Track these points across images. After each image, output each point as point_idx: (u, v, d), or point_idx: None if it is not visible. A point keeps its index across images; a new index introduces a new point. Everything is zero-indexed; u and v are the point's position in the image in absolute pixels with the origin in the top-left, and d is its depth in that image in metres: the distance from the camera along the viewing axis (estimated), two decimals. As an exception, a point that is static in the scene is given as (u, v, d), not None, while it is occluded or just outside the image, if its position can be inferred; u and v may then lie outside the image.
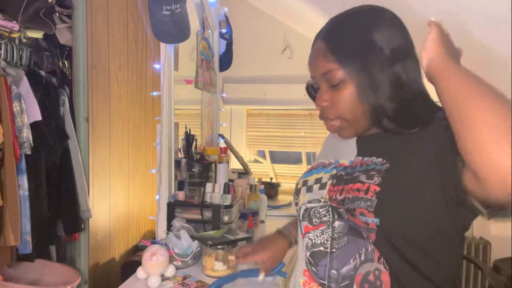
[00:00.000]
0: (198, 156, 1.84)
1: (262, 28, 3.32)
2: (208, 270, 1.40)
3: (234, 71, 2.59)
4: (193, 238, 1.50)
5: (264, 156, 3.69)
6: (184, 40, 1.62)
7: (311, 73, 0.84)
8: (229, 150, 2.28)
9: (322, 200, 0.83)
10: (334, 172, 0.85)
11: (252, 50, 3.30)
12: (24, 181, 1.59)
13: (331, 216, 0.81)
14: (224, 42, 2.41)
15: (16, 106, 1.55)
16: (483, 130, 0.57)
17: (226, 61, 2.47)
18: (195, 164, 1.78)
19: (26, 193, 1.59)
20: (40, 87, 1.76)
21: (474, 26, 1.49)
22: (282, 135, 3.54)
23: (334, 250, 0.79)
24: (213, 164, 1.83)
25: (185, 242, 1.49)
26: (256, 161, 3.71)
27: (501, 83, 0.74)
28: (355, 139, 0.87)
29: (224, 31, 2.39)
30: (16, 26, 1.65)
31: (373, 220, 0.74)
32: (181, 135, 1.91)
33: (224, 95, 3.09)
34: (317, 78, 0.82)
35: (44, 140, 1.69)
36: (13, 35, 1.66)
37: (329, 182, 0.83)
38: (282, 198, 2.79)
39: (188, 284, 1.32)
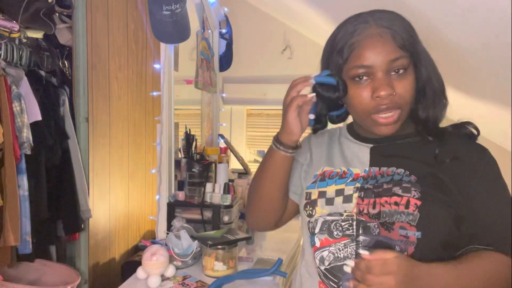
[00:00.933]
0: (198, 156, 1.84)
1: (262, 28, 3.32)
2: (208, 270, 1.40)
3: (234, 71, 2.59)
4: (193, 238, 1.50)
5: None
6: (184, 40, 1.62)
7: (369, 61, 0.75)
8: (229, 150, 2.28)
9: (345, 214, 0.81)
10: (358, 185, 0.82)
11: (252, 50, 3.29)
12: (24, 181, 1.59)
13: (355, 230, 0.80)
14: (224, 42, 2.41)
15: (16, 106, 1.55)
16: None
17: (226, 61, 2.46)
18: (195, 164, 1.78)
19: (26, 193, 1.59)
20: (40, 87, 1.76)
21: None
22: (282, 135, 3.52)
23: None
24: (213, 164, 1.83)
25: (185, 242, 1.49)
26: (256, 161, 3.71)
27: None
28: (368, 148, 0.85)
29: (224, 31, 2.39)
30: (16, 26, 1.65)
31: (414, 234, 0.75)
32: (181, 135, 1.91)
33: (224, 95, 3.08)
34: (376, 67, 0.75)
35: (44, 140, 1.69)
36: (13, 35, 1.66)
37: (356, 195, 0.81)
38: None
39: (188, 284, 1.32)
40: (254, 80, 3.33)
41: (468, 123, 0.83)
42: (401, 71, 0.76)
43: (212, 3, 2.16)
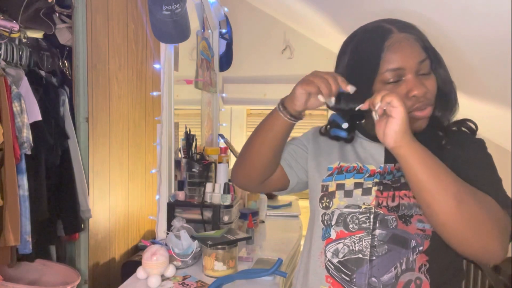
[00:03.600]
0: (198, 156, 1.84)
1: (262, 28, 3.32)
2: (208, 270, 1.40)
3: (234, 71, 2.59)
4: (193, 238, 1.50)
5: (264, 156, 3.68)
6: (184, 40, 1.62)
7: (400, 63, 0.79)
8: (229, 150, 2.28)
9: (363, 206, 0.83)
10: (377, 180, 0.84)
11: (252, 50, 3.30)
12: (24, 181, 1.59)
13: (371, 223, 0.81)
14: (224, 42, 2.41)
15: (16, 106, 1.55)
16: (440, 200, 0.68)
17: (226, 61, 2.47)
18: (195, 164, 1.78)
19: (26, 193, 1.59)
20: (40, 87, 1.76)
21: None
22: (282, 135, 3.51)
23: (374, 258, 0.80)
24: (213, 164, 1.83)
25: (185, 242, 1.49)
26: (256, 161, 3.71)
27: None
28: (382, 146, 0.84)
29: (224, 31, 2.39)
30: (16, 26, 1.65)
31: (430, 226, 0.78)
32: (181, 135, 1.91)
33: (224, 95, 3.09)
34: (407, 68, 0.79)
35: (44, 140, 1.69)
36: (13, 35, 1.66)
37: (375, 188, 0.83)
38: (282, 198, 2.78)
39: (188, 284, 1.32)
40: (254, 80, 3.33)
41: (468, 120, 0.88)
42: (428, 70, 0.81)
43: (212, 3, 2.16)
